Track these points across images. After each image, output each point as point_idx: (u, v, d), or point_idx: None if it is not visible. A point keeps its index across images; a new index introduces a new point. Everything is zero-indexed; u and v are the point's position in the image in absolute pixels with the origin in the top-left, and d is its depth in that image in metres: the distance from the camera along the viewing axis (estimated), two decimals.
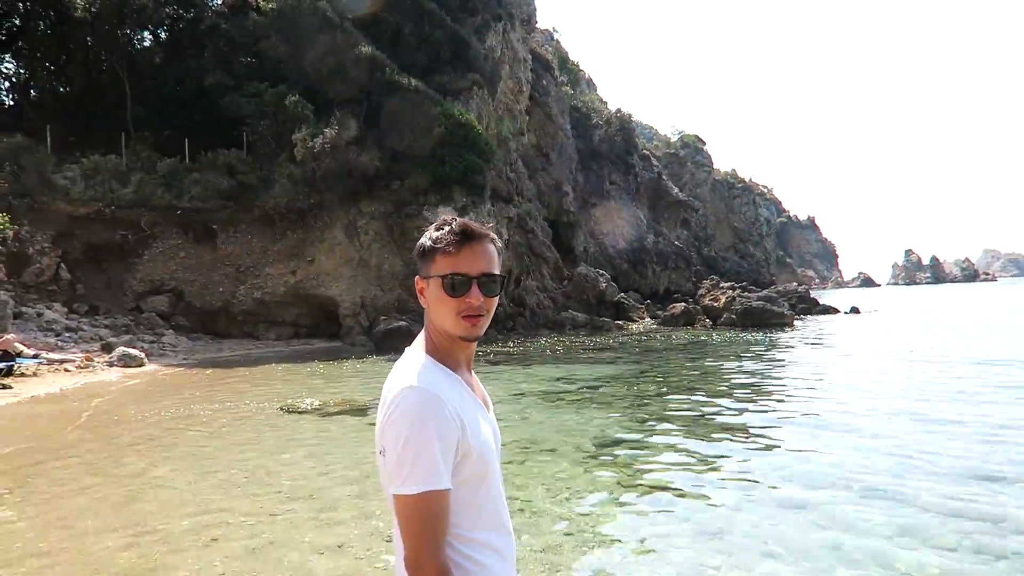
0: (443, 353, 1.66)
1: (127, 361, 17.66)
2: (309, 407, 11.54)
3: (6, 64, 31.13)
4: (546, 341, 26.38)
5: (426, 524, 1.48)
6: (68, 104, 29.83)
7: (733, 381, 14.49)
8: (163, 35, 33.25)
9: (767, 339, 25.01)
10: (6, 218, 20.83)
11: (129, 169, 25.97)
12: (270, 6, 30.56)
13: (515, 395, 13.09)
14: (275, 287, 26.63)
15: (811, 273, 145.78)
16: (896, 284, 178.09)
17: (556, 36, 65.46)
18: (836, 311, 43.04)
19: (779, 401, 11.87)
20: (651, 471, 7.53)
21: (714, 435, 9.24)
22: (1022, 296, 61.20)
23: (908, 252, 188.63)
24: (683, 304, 36.18)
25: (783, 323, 31.59)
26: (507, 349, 23.34)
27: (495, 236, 1.69)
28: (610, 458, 8.09)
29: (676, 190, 64.95)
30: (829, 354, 19.44)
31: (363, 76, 29.02)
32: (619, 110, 60.84)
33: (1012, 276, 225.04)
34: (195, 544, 5.33)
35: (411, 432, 1.48)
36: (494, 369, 17.53)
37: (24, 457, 8.44)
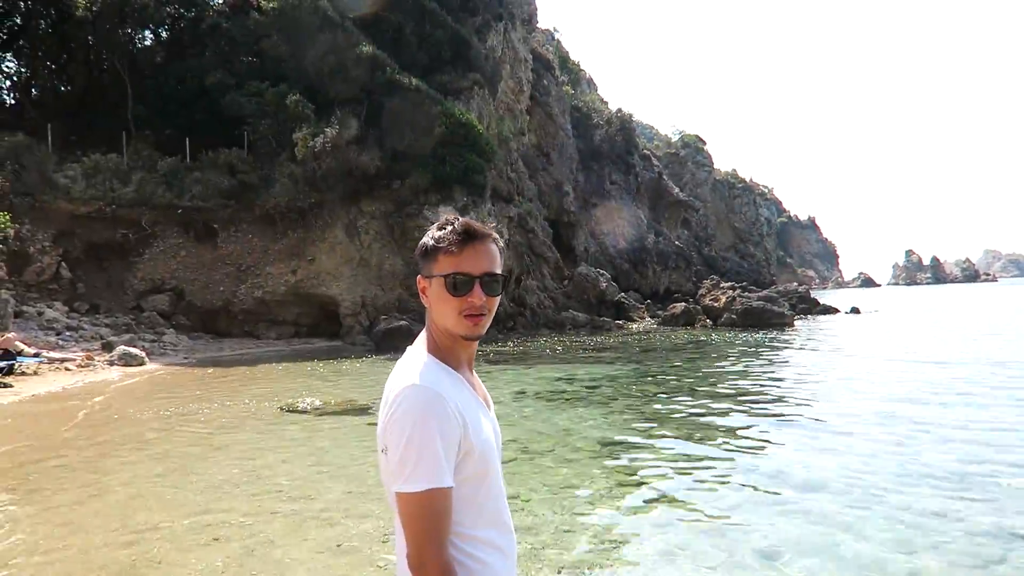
0: (445, 352, 1.67)
1: (128, 360, 17.67)
2: (309, 407, 11.54)
3: (7, 63, 31.19)
4: (546, 341, 26.39)
5: (429, 522, 1.48)
6: (69, 103, 29.86)
7: (733, 382, 14.49)
8: (164, 34, 33.27)
9: (767, 339, 25.01)
10: (7, 217, 20.84)
11: (130, 168, 25.99)
12: (271, 5, 30.56)
13: (515, 394, 13.10)
14: (276, 286, 26.64)
15: (811, 273, 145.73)
16: (897, 284, 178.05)
17: (557, 36, 65.44)
18: (836, 311, 43.03)
19: (779, 402, 11.87)
20: (650, 471, 7.54)
21: (713, 435, 9.25)
22: (1022, 297, 61.17)
23: (909, 252, 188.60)
24: (683, 304, 36.16)
25: (783, 323, 31.58)
26: (507, 349, 23.35)
27: (497, 236, 1.70)
28: (610, 458, 8.09)
29: (677, 190, 64.95)
30: (829, 355, 19.44)
31: (364, 75, 29.02)
32: (620, 110, 60.84)
33: (1013, 276, 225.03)
34: (196, 543, 5.34)
35: (413, 430, 1.48)
36: (494, 368, 17.54)
37: (25, 455, 8.45)
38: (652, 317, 37.54)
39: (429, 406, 1.51)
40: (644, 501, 6.47)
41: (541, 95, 46.26)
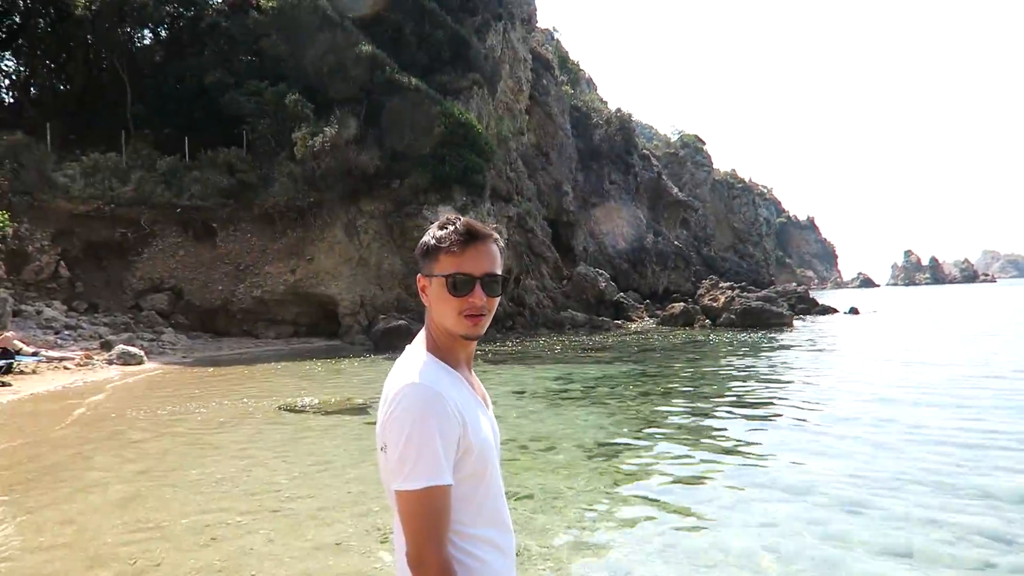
0: (444, 351, 1.67)
1: (126, 359, 17.67)
2: (308, 406, 11.54)
3: (6, 62, 31.16)
4: (545, 340, 26.40)
5: (428, 520, 1.49)
6: (68, 102, 29.84)
7: (730, 382, 14.51)
8: (163, 33, 33.25)
9: (765, 340, 25.03)
10: (6, 216, 20.82)
11: (129, 167, 25.98)
12: (270, 4, 30.54)
13: (514, 394, 13.11)
14: (274, 286, 26.63)
15: (810, 273, 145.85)
16: (895, 285, 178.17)
17: (556, 35, 65.45)
18: (835, 311, 43.06)
19: (775, 404, 11.87)
20: (648, 470, 7.56)
21: (711, 436, 9.26)
22: (1020, 297, 61.23)
23: (907, 253, 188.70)
24: (682, 304, 36.17)
25: (782, 323, 31.59)
26: (506, 348, 23.36)
27: (498, 236, 1.71)
28: (608, 457, 8.10)
29: (676, 190, 64.97)
30: (828, 356, 19.45)
31: (363, 75, 29.02)
32: (619, 110, 60.88)
33: (1011, 277, 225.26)
34: (195, 542, 5.34)
35: (413, 428, 1.49)
36: (493, 368, 17.54)
37: (24, 454, 8.45)
38: (651, 317, 37.58)
39: (428, 404, 1.51)
40: (641, 501, 6.48)
41: (540, 95, 46.28)
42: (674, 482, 7.05)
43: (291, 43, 29.48)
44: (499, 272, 1.67)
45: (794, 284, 68.81)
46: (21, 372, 14.97)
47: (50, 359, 16.46)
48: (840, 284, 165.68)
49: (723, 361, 18.44)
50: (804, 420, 10.08)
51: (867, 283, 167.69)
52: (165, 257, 26.17)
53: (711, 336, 27.41)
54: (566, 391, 13.55)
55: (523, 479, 7.10)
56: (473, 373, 1.78)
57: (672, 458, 8.06)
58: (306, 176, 26.66)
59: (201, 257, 26.55)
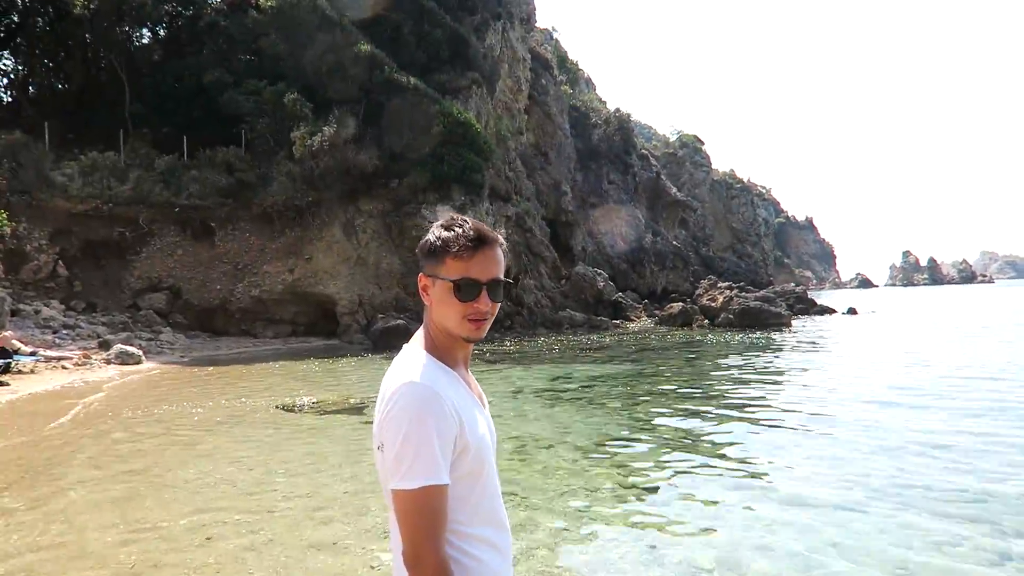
0: (442, 351, 1.67)
1: (124, 359, 17.65)
2: (306, 405, 11.55)
3: (5, 61, 31.15)
4: (544, 340, 26.41)
5: (425, 519, 1.49)
6: (66, 101, 29.82)
7: (728, 383, 14.52)
8: (162, 32, 33.25)
9: (763, 340, 25.04)
10: (4, 215, 20.81)
11: (127, 166, 25.96)
12: (269, 4, 30.53)
13: (513, 393, 13.11)
14: (273, 285, 26.62)
15: (809, 274, 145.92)
16: (894, 285, 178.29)
17: (555, 35, 65.49)
18: (833, 312, 43.10)
19: (773, 406, 11.87)
20: (646, 470, 7.56)
21: (708, 436, 9.27)
22: (1018, 298, 61.32)
23: (906, 253, 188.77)
24: (681, 304, 36.16)
25: (780, 323, 31.60)
26: (505, 348, 23.36)
27: (502, 240, 1.71)
28: (606, 456, 8.11)
29: (674, 190, 65.00)
30: (826, 357, 19.46)
31: (362, 74, 29.01)
32: (618, 110, 60.91)
33: (1009, 278, 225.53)
34: (193, 542, 5.34)
35: (410, 428, 1.49)
36: (492, 367, 17.55)
37: (22, 454, 8.45)
38: (649, 317, 37.60)
39: (426, 404, 1.51)
40: (638, 500, 6.49)
41: (539, 94, 46.29)
42: (670, 484, 7.05)
43: (290, 42, 29.47)
44: (504, 277, 1.67)
45: (792, 284, 68.94)
46: (19, 372, 14.96)
47: (48, 359, 16.44)
48: (838, 284, 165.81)
49: (720, 362, 18.44)
50: (800, 423, 10.06)
51: (865, 283, 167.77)
52: (163, 256, 26.15)
53: (709, 336, 27.43)
54: (564, 390, 13.56)
55: (521, 478, 7.11)
56: (470, 372, 1.78)
57: (668, 459, 8.06)
58: (305, 175, 26.65)
59: (199, 256, 26.53)
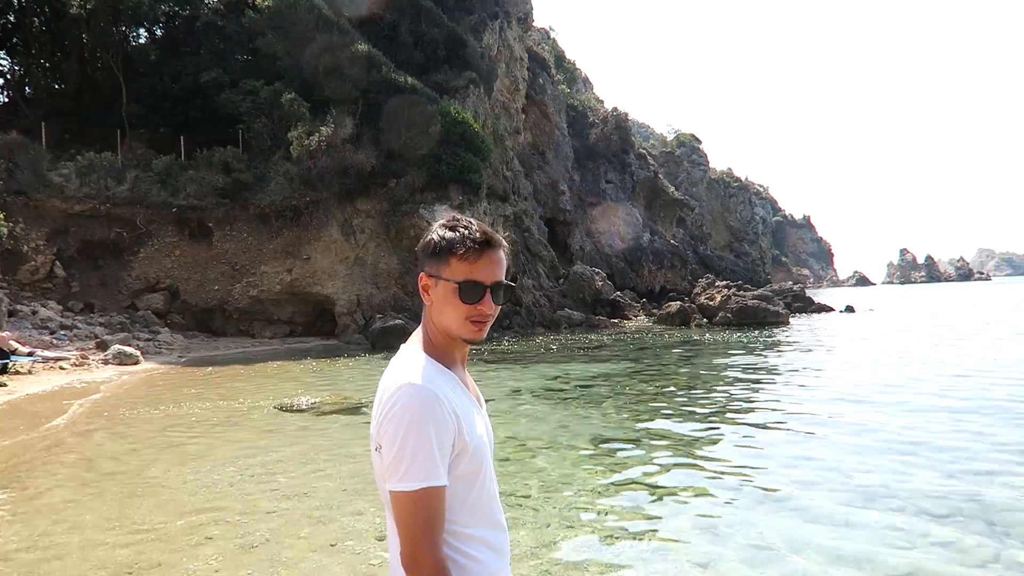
0: (440, 351, 1.68)
1: (122, 359, 17.64)
2: (304, 405, 11.54)
3: (1, 61, 31.13)
4: (542, 339, 26.41)
5: (423, 520, 1.49)
6: (63, 101, 29.76)
7: (726, 382, 14.53)
8: (159, 32, 33.20)
9: (761, 338, 25.07)
10: (1, 216, 20.78)
11: (124, 166, 25.93)
12: (266, 4, 30.45)
13: (511, 393, 13.12)
14: (271, 285, 26.60)
15: (806, 272, 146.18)
16: (891, 283, 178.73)
17: (553, 34, 65.43)
18: (831, 310, 43.17)
19: (770, 406, 11.88)
20: (645, 469, 7.57)
21: (707, 434, 9.28)
22: (1016, 295, 61.44)
23: (903, 251, 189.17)
24: (678, 303, 36.19)
25: (778, 322, 31.65)
26: (503, 347, 23.37)
27: (505, 242, 1.71)
28: (605, 455, 8.12)
29: (672, 189, 65.00)
30: (824, 356, 19.49)
31: (359, 74, 28.97)
32: (615, 109, 60.89)
33: (1006, 275, 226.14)
34: (191, 542, 5.34)
35: (408, 429, 1.49)
36: (490, 367, 17.55)
37: (20, 454, 8.44)
38: (647, 316, 37.62)
39: (424, 404, 1.52)
40: (637, 499, 6.49)
41: (537, 94, 46.28)
42: (671, 480, 7.07)
43: (287, 42, 29.41)
44: (506, 280, 1.68)
45: (790, 283, 68.92)
46: (17, 372, 14.94)
47: (46, 359, 16.42)
48: (836, 283, 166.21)
49: (718, 361, 18.46)
50: (799, 423, 10.04)
51: (863, 281, 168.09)
52: (161, 257, 26.12)
53: (707, 335, 27.45)
54: (563, 390, 13.56)
55: (519, 478, 7.12)
56: (467, 373, 1.78)
57: (666, 459, 8.07)
58: (302, 175, 26.63)
59: (197, 257, 26.50)
